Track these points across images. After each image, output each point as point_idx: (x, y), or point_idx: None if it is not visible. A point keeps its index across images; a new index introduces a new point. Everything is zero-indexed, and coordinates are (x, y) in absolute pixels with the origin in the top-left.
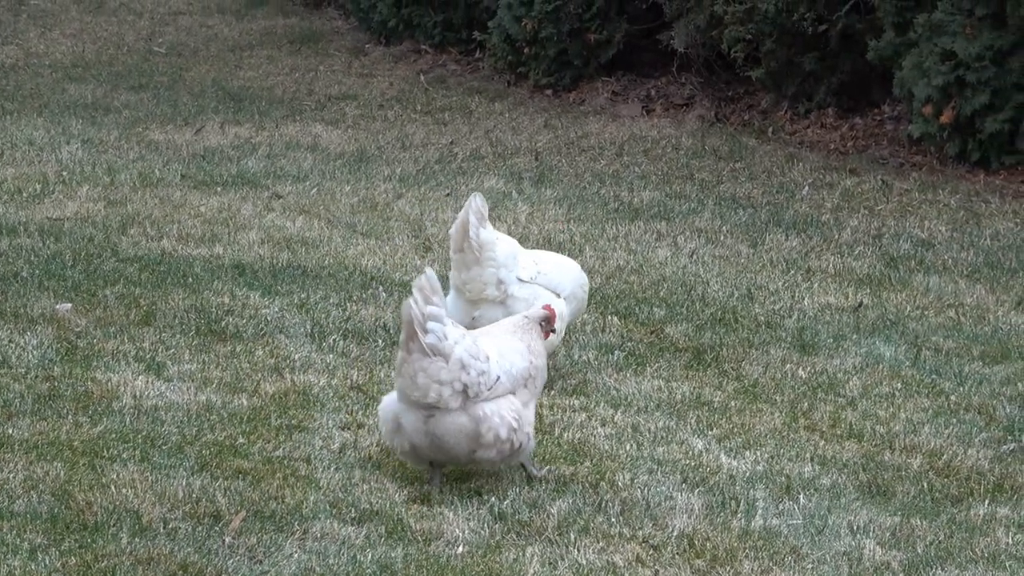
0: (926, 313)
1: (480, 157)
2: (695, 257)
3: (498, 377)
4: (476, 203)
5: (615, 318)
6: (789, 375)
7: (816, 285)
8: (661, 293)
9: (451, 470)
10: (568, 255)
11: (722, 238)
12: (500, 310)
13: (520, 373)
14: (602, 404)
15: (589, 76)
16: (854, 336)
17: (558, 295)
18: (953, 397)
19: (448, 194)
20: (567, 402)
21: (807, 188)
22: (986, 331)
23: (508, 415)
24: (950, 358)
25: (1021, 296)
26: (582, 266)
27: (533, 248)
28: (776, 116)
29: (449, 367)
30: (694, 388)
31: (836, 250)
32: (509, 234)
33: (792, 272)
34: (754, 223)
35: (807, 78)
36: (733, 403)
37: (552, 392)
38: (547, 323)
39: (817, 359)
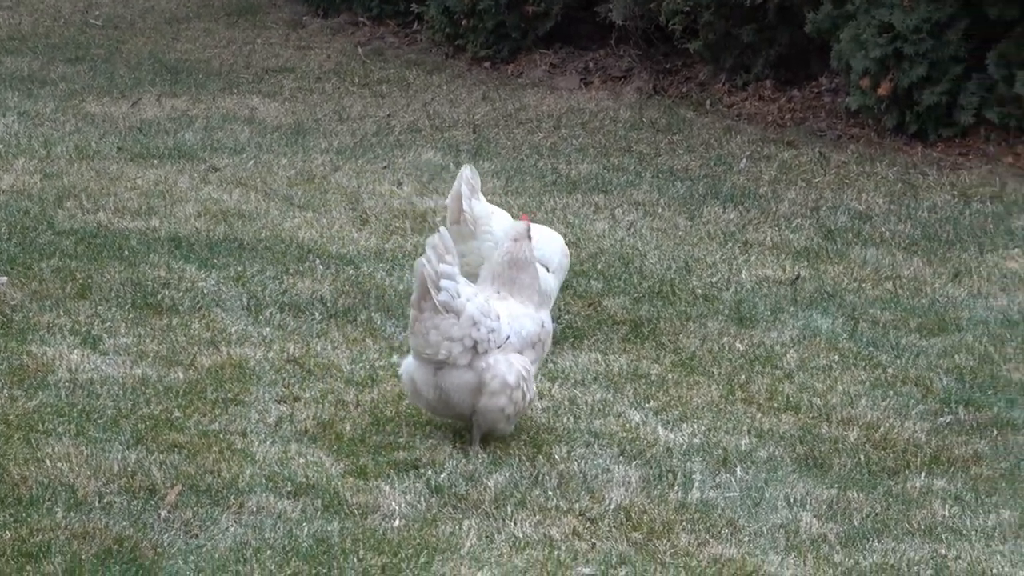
0: (863, 286)
1: (418, 130)
2: (633, 230)
3: (508, 336)
4: (467, 174)
5: None
6: (726, 348)
7: (754, 258)
8: (599, 266)
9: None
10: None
11: (660, 211)
12: None
13: (529, 335)
14: (539, 377)
15: (527, 48)
16: (791, 309)
17: (547, 269)
18: (890, 370)
19: (385, 167)
20: None
21: (745, 161)
22: (923, 303)
23: (516, 364)
24: (887, 330)
25: (958, 268)
26: None
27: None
28: (714, 88)
29: (461, 323)
30: (631, 361)
31: (774, 223)
32: (445, 207)
33: (730, 245)
34: (692, 196)
35: (745, 50)
36: (670, 376)
37: None
38: (528, 231)
39: (754, 332)
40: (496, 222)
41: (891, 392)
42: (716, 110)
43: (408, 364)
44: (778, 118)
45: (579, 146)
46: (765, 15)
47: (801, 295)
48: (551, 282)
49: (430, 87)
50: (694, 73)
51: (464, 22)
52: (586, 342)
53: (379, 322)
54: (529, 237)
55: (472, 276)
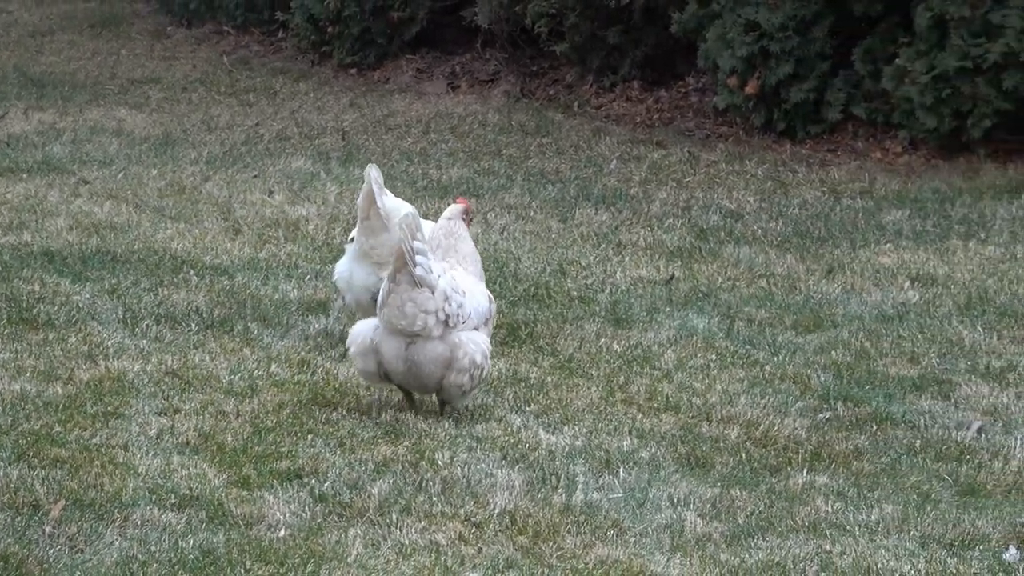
0: (737, 284)
1: (287, 138)
2: (506, 233)
3: (470, 312)
4: (373, 173)
5: None
6: (604, 349)
7: (627, 259)
8: None
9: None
10: None
11: (532, 214)
12: None
13: (483, 312)
14: None
15: (393, 54)
16: (667, 309)
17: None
18: (768, 367)
19: (255, 175)
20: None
21: (615, 162)
22: (798, 300)
23: (482, 343)
24: (763, 328)
25: (831, 264)
26: None
27: None
28: (582, 90)
29: (435, 297)
30: (510, 364)
31: (646, 223)
32: (318, 214)
33: (603, 246)
34: (563, 198)
35: (612, 52)
36: (549, 379)
37: None
38: (467, 214)
39: (631, 332)
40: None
41: (770, 390)
42: (584, 112)
43: (369, 335)
44: (647, 119)
45: (449, 151)
46: (631, 16)
47: (676, 295)
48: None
49: (297, 95)
50: (561, 75)
51: (330, 29)
52: None
53: (256, 332)
54: (463, 218)
55: (382, 266)
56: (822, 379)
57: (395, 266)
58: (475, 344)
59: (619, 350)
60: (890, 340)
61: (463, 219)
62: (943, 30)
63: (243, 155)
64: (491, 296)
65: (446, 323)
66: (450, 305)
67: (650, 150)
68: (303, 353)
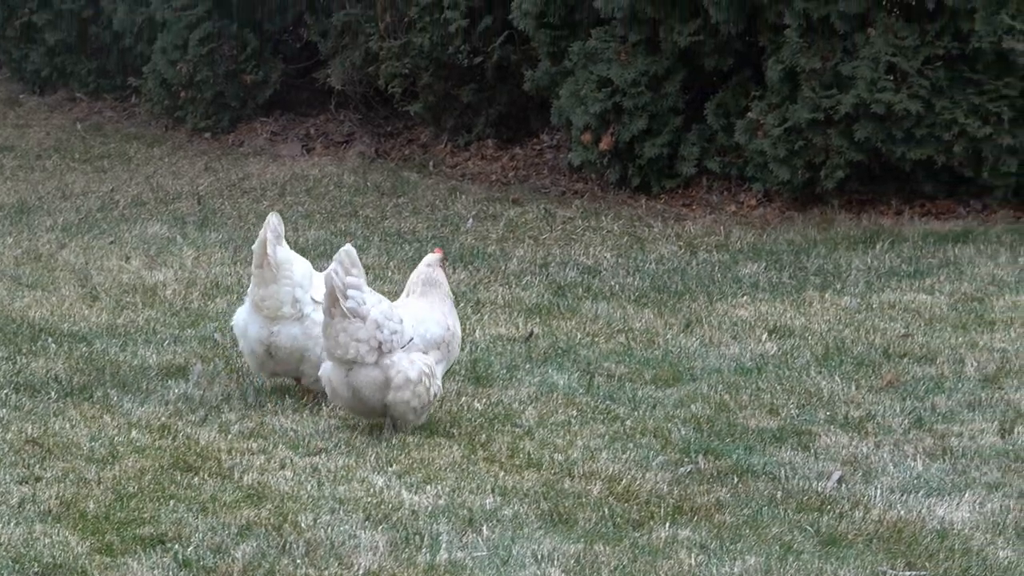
0: (596, 339)
1: (142, 203)
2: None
3: (411, 338)
4: (273, 221)
5: None
6: (465, 407)
7: (486, 316)
8: None
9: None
10: (236, 299)
11: (390, 274)
12: (297, 327)
13: (434, 338)
14: (280, 445)
15: (247, 117)
16: (527, 366)
17: None
18: (628, 422)
19: (112, 242)
20: (245, 445)
21: (471, 220)
22: (657, 355)
23: (419, 362)
24: (623, 383)
25: (689, 318)
26: None
27: None
28: (436, 150)
29: (367, 327)
30: (371, 425)
31: (504, 281)
32: (176, 279)
33: (462, 305)
34: (420, 257)
35: (465, 110)
36: (411, 438)
37: (229, 436)
38: (442, 261)
39: (492, 390)
40: (296, 268)
41: (631, 444)
42: (440, 171)
43: (325, 367)
44: (502, 177)
45: (305, 213)
46: (483, 75)
47: (536, 352)
48: None
49: (152, 160)
50: (416, 135)
51: (183, 94)
52: (324, 408)
53: (116, 398)
54: (442, 265)
55: (273, 320)
56: (682, 433)
57: (328, 300)
58: (410, 363)
59: (480, 408)
60: (749, 392)
61: (440, 265)
62: (794, 83)
63: (99, 221)
64: (452, 326)
65: (380, 349)
66: (382, 332)
67: (506, 208)
68: (163, 418)
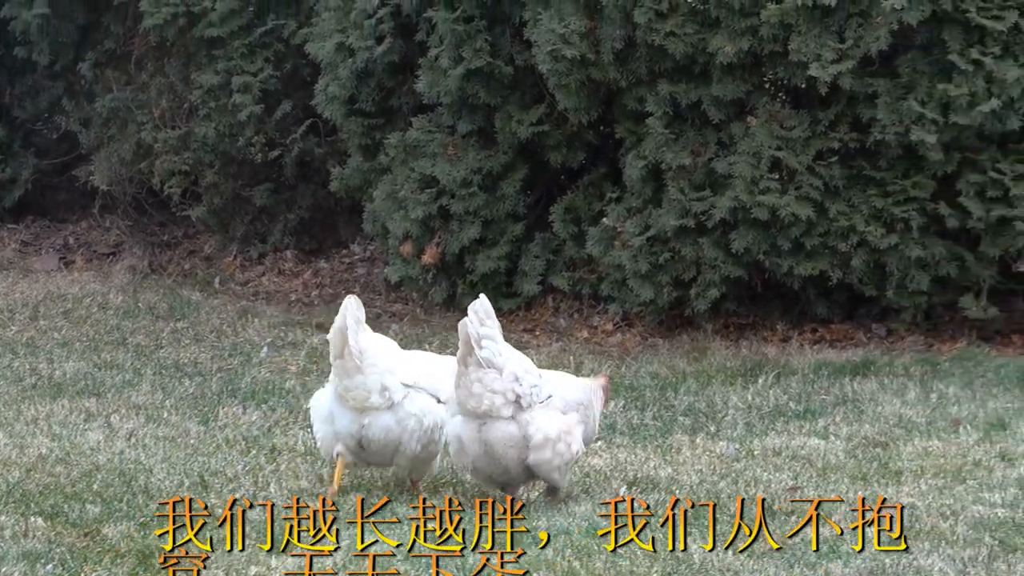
0: None
1: None
2: (134, 440)
3: (550, 396)
4: (352, 305)
5: (40, 519)
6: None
7: (284, 466)
8: (95, 486)
9: None
10: None
11: (166, 415)
12: (390, 417)
13: (574, 400)
14: None
15: None
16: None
17: (438, 400)
18: None
19: None
20: None
21: (266, 349)
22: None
23: (557, 420)
24: None
25: None
26: None
27: None
28: (224, 263)
29: (503, 379)
30: None
31: (305, 423)
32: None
33: (254, 452)
34: (204, 395)
35: (259, 215)
36: None
37: None
38: (606, 391)
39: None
40: (382, 353)
41: None
42: (228, 289)
43: (454, 423)
44: (304, 295)
45: (62, 340)
46: (281, 172)
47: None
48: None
49: None
50: (199, 245)
51: None
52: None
53: None
54: (604, 388)
55: (362, 411)
56: None
57: (463, 349)
58: (549, 420)
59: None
60: (603, 558)
61: (603, 389)
62: (659, 182)
63: None
64: (595, 399)
65: (518, 403)
66: (520, 385)
67: (309, 334)
68: None
